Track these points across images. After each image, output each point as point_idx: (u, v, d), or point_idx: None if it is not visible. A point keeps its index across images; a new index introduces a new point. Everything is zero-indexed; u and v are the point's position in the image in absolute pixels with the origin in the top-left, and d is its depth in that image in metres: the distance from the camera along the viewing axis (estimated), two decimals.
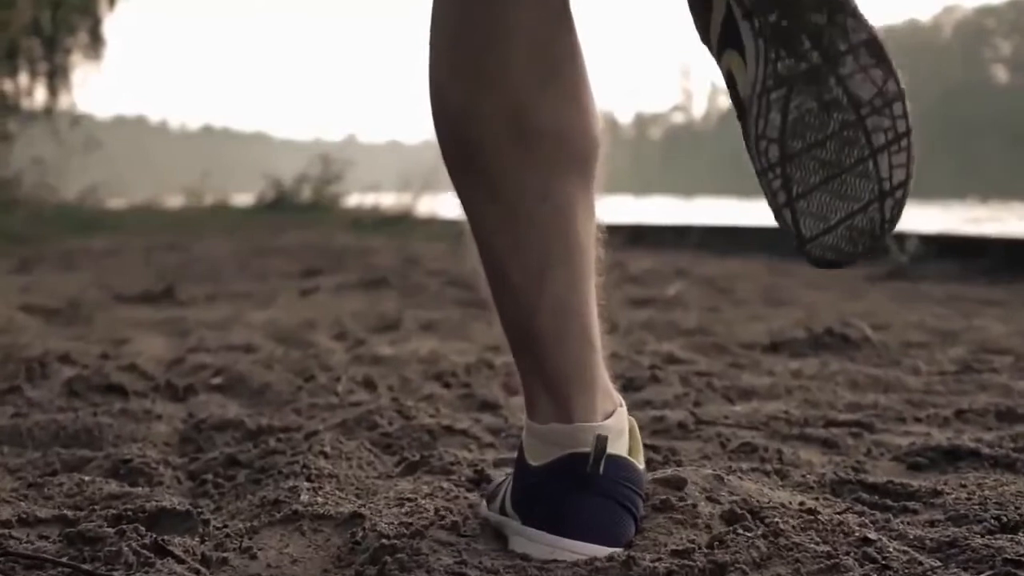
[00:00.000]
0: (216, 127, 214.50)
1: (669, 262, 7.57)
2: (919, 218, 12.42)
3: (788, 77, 1.42)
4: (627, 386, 2.49)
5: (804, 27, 1.41)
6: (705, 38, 1.50)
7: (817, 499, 1.61)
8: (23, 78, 22.57)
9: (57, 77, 22.56)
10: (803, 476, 1.78)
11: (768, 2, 1.42)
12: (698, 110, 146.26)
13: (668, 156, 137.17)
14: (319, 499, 1.55)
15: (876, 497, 1.65)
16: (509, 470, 1.61)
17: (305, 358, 2.78)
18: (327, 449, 1.81)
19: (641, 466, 1.51)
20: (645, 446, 1.71)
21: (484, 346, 3.20)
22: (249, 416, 2.20)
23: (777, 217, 1.43)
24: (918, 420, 2.26)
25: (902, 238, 7.45)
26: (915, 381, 2.68)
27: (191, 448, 2.04)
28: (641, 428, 1.72)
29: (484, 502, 1.62)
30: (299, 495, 1.56)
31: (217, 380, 2.57)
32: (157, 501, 1.53)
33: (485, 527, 1.53)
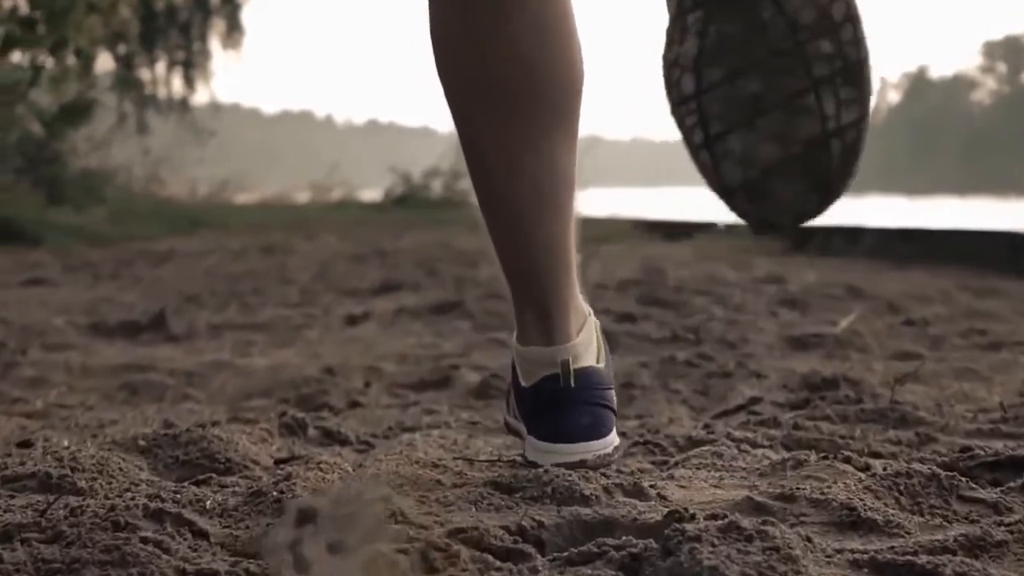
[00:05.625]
0: (382, 121, 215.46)
1: (838, 275, 6.07)
2: None
3: None
4: None
5: None
6: None
7: None
8: (160, 67, 21.88)
9: (194, 67, 21.81)
10: None
11: None
12: None
13: None
14: None
15: None
16: None
17: (117, 512, 1.35)
18: None
19: (601, 364, 1.76)
20: None
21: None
22: None
23: (695, 161, 1.33)
24: None
25: None
26: None
27: None
28: None
29: (505, 408, 1.90)
30: None
31: None
32: None
33: None
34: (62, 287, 5.52)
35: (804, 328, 3.99)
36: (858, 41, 1.25)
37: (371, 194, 17.60)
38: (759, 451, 1.94)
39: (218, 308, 4.58)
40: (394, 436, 2.18)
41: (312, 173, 19.91)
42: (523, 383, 1.76)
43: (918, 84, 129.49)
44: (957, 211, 23.31)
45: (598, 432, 1.73)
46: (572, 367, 1.71)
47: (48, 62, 11.49)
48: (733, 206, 1.33)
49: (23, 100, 11.15)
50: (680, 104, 1.31)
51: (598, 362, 1.76)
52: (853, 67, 1.25)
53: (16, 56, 11.28)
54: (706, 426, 2.30)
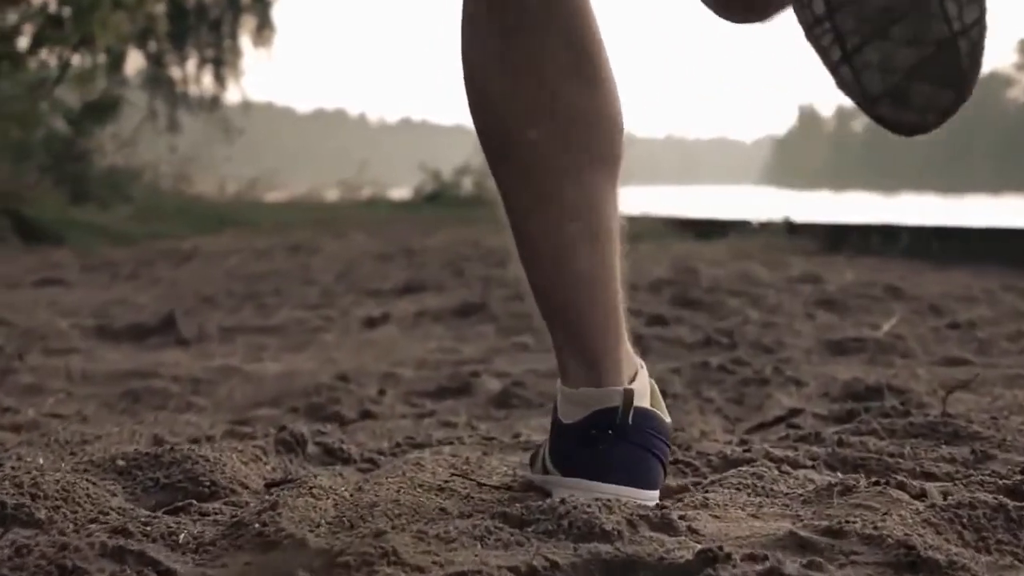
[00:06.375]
0: (415, 119, 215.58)
1: (876, 275, 5.87)
2: None
3: None
4: None
5: None
6: None
7: None
8: (190, 65, 21.78)
9: (224, 64, 21.70)
10: None
11: None
12: None
13: (871, 150, 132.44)
14: None
15: None
16: None
17: None
18: None
19: (667, 419, 1.60)
20: None
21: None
22: None
23: (835, 78, 1.38)
24: None
25: None
26: None
27: None
28: None
29: (529, 468, 1.74)
30: None
31: None
32: None
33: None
34: (76, 288, 5.37)
35: (844, 331, 3.81)
36: None
37: (401, 192, 17.46)
38: (801, 472, 1.75)
39: (233, 310, 4.42)
40: (402, 453, 2.00)
41: (343, 171, 19.78)
42: (565, 420, 1.59)
43: None
44: (992, 209, 22.99)
45: (644, 480, 1.55)
46: (633, 403, 1.55)
47: (75, 59, 11.39)
48: (878, 115, 1.36)
49: (48, 97, 11.05)
50: (814, 26, 1.37)
51: (661, 412, 1.61)
52: None
53: (44, 53, 11.18)
54: (742, 442, 2.13)
